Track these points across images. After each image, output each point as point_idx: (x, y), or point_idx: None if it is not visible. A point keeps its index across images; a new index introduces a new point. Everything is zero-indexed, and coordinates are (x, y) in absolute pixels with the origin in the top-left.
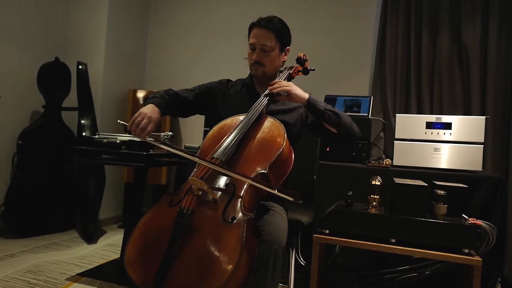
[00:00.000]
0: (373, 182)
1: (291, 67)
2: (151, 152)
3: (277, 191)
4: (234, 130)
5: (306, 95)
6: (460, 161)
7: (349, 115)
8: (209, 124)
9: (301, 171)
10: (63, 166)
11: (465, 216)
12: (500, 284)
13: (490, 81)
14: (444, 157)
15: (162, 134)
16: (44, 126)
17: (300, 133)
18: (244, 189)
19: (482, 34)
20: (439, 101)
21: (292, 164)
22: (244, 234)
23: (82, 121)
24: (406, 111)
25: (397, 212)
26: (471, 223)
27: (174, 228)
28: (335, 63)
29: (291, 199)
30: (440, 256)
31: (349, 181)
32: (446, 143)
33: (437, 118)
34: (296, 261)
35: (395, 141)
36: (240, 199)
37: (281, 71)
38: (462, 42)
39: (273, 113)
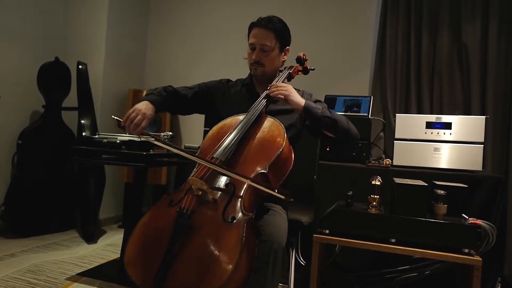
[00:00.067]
0: (373, 182)
1: (290, 67)
2: (151, 152)
3: (269, 189)
4: (234, 130)
5: (302, 102)
6: (460, 161)
7: (349, 115)
8: (209, 124)
9: (301, 171)
10: (63, 166)
11: (465, 216)
12: (500, 284)
13: (490, 81)
14: (444, 157)
15: (162, 134)
16: (44, 126)
17: (300, 133)
18: (244, 189)
19: (482, 34)
20: (439, 101)
21: (292, 164)
22: (244, 234)
23: (82, 121)
24: (406, 111)
25: (397, 212)
26: (471, 223)
27: (174, 228)
28: (335, 63)
29: (282, 197)
30: (440, 256)
31: (349, 181)
32: (446, 143)
33: (437, 118)
34: (296, 261)
35: (395, 141)
36: (240, 199)
37: (281, 71)
38: (462, 42)
39: (273, 113)
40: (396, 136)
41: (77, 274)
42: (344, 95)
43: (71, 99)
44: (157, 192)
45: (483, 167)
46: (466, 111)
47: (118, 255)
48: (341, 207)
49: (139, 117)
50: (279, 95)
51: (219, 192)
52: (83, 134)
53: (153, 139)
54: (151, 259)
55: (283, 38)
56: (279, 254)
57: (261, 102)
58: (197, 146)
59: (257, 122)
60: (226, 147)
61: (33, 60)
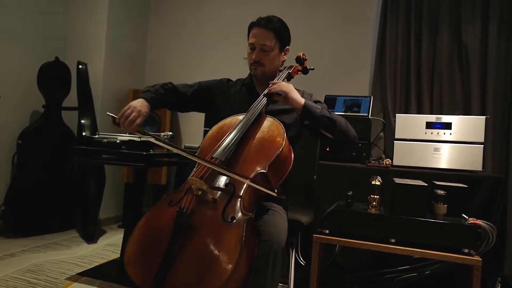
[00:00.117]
0: (373, 182)
1: (290, 67)
2: (151, 152)
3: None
4: (233, 129)
5: (302, 101)
6: (460, 161)
7: (349, 115)
8: (209, 124)
9: (301, 171)
10: (63, 166)
11: (465, 216)
12: (500, 284)
13: (490, 81)
14: (444, 157)
15: (162, 134)
16: (44, 126)
17: (300, 133)
18: (243, 188)
19: (482, 34)
20: (439, 101)
21: (292, 163)
22: (244, 234)
23: (82, 121)
24: (406, 111)
25: (397, 212)
26: (471, 223)
27: (173, 228)
28: (335, 63)
29: (274, 194)
30: (440, 256)
31: (349, 181)
32: (446, 143)
33: (437, 118)
34: (296, 261)
35: (395, 141)
36: (239, 199)
37: (281, 71)
38: (462, 42)
39: (272, 113)
40: (396, 136)
41: (77, 274)
42: (344, 95)
43: (71, 99)
44: (157, 192)
45: (483, 167)
46: (466, 111)
47: (118, 255)
48: (341, 207)
49: (134, 114)
50: (279, 91)
51: (219, 192)
52: (83, 134)
53: (152, 138)
54: (151, 259)
55: (283, 38)
56: (279, 254)
57: (260, 102)
58: (197, 146)
59: (257, 122)
60: (225, 147)
61: (33, 60)
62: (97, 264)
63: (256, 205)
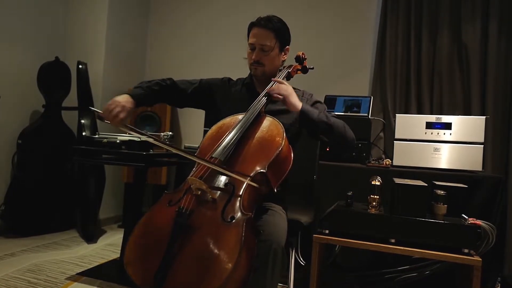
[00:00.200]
0: (373, 182)
1: (290, 66)
2: (151, 152)
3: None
4: (233, 129)
5: (299, 105)
6: (460, 161)
7: (349, 115)
8: (209, 124)
9: (301, 171)
10: (63, 166)
11: (465, 216)
12: (500, 284)
13: (490, 81)
14: (444, 157)
15: (162, 134)
16: (44, 126)
17: (300, 133)
18: (243, 188)
19: (482, 34)
20: (439, 101)
21: (291, 163)
22: (243, 234)
23: (82, 121)
24: (406, 111)
25: (397, 212)
26: (471, 223)
27: (173, 228)
28: (335, 63)
29: (256, 185)
30: (440, 256)
31: (349, 181)
32: (446, 143)
33: (437, 118)
34: (296, 261)
35: (395, 141)
36: (239, 199)
37: (280, 70)
38: (462, 42)
39: (272, 113)
40: (396, 136)
41: (77, 273)
42: (344, 95)
43: (71, 99)
44: (157, 192)
45: (483, 167)
46: (466, 111)
47: (118, 255)
48: (341, 207)
49: (117, 108)
50: (279, 95)
51: (219, 192)
52: (83, 134)
53: (146, 137)
54: (150, 259)
55: (282, 37)
56: (279, 253)
57: (260, 101)
58: (197, 146)
59: (256, 121)
60: (225, 147)
61: (33, 60)
62: (97, 264)
63: (255, 205)
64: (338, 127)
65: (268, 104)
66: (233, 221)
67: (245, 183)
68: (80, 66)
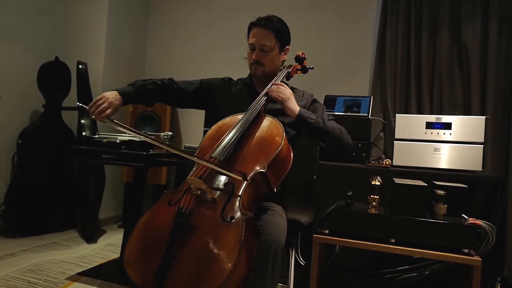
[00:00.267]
0: (373, 182)
1: (289, 66)
2: (151, 152)
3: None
4: (232, 129)
5: (297, 110)
6: (460, 161)
7: (349, 115)
8: (209, 124)
9: (301, 171)
10: (63, 166)
11: (465, 216)
12: (500, 284)
13: (490, 81)
14: (444, 157)
15: (162, 134)
16: (44, 126)
17: (300, 133)
18: (243, 188)
19: (482, 34)
20: (439, 101)
21: (291, 163)
22: (243, 233)
23: (82, 121)
24: (406, 111)
25: (397, 212)
26: (471, 223)
27: (172, 227)
28: (335, 63)
29: (240, 178)
30: (440, 256)
31: (349, 181)
32: (446, 143)
33: (437, 118)
34: (296, 261)
35: (395, 141)
36: (238, 198)
37: (280, 70)
38: (462, 42)
39: (272, 113)
40: (396, 136)
41: (77, 273)
42: (344, 95)
43: (71, 99)
44: (157, 192)
45: (483, 167)
46: (466, 111)
47: (118, 255)
48: (341, 207)
49: (104, 104)
50: (278, 97)
51: (218, 192)
52: (83, 134)
53: (128, 131)
54: (150, 259)
55: (282, 37)
56: (279, 253)
57: (260, 101)
58: (197, 146)
59: (256, 121)
60: (224, 147)
61: (33, 60)
62: (97, 264)
63: (255, 204)
64: (334, 133)
65: (268, 103)
66: (233, 221)
67: (245, 183)
68: (80, 66)
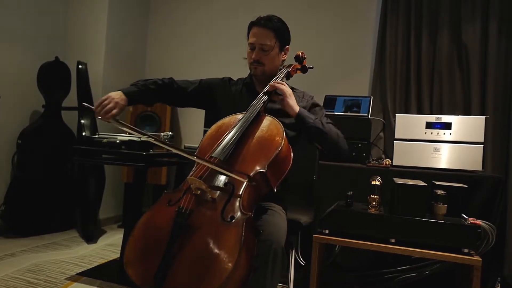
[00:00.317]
0: (373, 182)
1: (289, 65)
2: (151, 152)
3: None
4: (232, 128)
5: (297, 109)
6: (460, 161)
7: (349, 115)
8: (209, 124)
9: (301, 171)
10: (63, 166)
11: (465, 216)
12: (500, 284)
13: (490, 81)
14: (444, 157)
15: (162, 134)
16: (44, 126)
17: (300, 133)
18: (243, 188)
19: (482, 34)
20: (439, 101)
21: (291, 163)
22: (243, 233)
23: (82, 121)
24: (406, 111)
25: (397, 212)
26: (471, 223)
27: (172, 227)
28: (335, 63)
29: (240, 178)
30: (440, 256)
31: (349, 181)
32: (446, 143)
33: (437, 118)
34: (296, 261)
35: (395, 141)
36: (239, 198)
37: (280, 70)
38: (462, 42)
39: (272, 112)
40: (396, 136)
41: (77, 274)
42: (344, 95)
43: (71, 99)
44: (157, 192)
45: (483, 167)
46: (466, 111)
47: (118, 255)
48: (341, 207)
49: (110, 104)
50: (280, 87)
51: (218, 192)
52: (83, 134)
53: (134, 131)
54: (150, 259)
55: (282, 37)
56: (279, 253)
57: (260, 101)
58: (197, 146)
59: (256, 121)
60: (224, 146)
61: (33, 60)
62: (97, 264)
63: (255, 204)
64: (331, 136)
65: (268, 103)
66: (233, 220)
67: (245, 182)
68: (80, 66)
